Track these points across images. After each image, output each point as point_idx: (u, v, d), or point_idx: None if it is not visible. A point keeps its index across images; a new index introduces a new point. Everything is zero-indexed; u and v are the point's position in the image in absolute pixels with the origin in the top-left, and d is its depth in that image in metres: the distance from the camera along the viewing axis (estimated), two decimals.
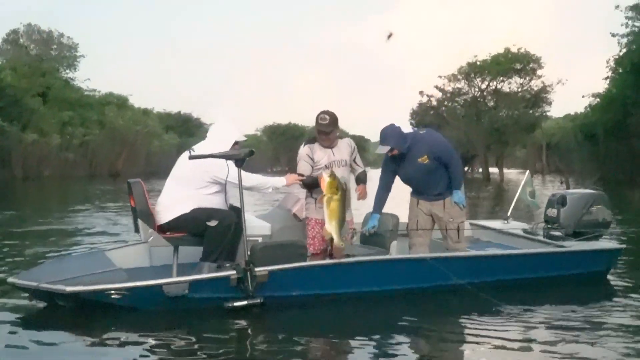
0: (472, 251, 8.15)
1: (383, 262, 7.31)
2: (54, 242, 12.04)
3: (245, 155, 6.74)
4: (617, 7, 43.83)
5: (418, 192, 7.87)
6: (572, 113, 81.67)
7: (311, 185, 7.34)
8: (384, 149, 7.42)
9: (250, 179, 7.07)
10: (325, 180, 6.75)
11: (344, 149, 7.50)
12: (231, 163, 6.88)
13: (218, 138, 7.14)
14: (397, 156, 7.54)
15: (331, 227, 6.83)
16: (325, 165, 7.35)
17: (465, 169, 76.57)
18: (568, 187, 10.21)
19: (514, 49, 59.10)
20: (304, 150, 7.55)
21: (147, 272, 7.23)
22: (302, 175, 7.34)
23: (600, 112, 54.76)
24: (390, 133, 7.48)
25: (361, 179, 7.71)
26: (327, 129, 7.32)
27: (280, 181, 7.37)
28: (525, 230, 9.16)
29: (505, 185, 47.79)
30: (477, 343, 5.80)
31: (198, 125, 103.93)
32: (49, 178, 56.27)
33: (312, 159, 7.46)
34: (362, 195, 7.63)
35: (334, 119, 7.34)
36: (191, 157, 6.79)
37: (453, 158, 7.68)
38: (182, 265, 7.08)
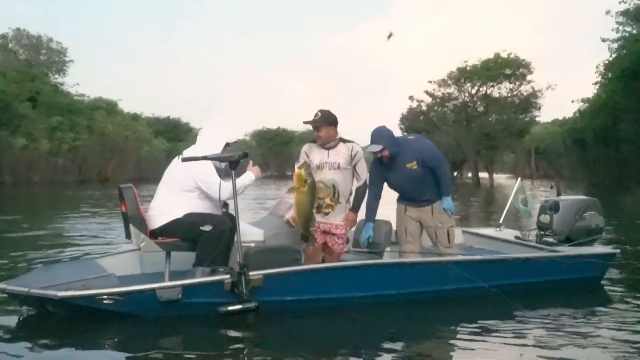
0: (467, 256, 8.15)
1: (377, 266, 7.28)
2: (43, 249, 11.96)
3: (240, 157, 6.68)
4: (607, 12, 44.06)
5: (406, 198, 7.87)
6: (560, 118, 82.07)
7: None
8: (375, 148, 7.39)
9: (226, 189, 6.90)
10: (295, 172, 6.82)
11: (341, 153, 7.44)
12: (214, 174, 6.87)
13: (208, 141, 7.07)
14: (386, 162, 7.55)
15: (298, 219, 6.98)
16: (317, 166, 7.38)
17: (455, 174, 76.73)
18: (559, 193, 10.18)
19: (503, 54, 59.35)
20: (303, 148, 7.67)
21: (139, 279, 7.17)
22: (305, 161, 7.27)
23: (590, 118, 55.05)
24: (382, 134, 7.49)
25: (357, 198, 7.61)
26: (315, 124, 7.35)
27: (249, 177, 7.21)
28: (517, 237, 9.15)
29: (495, 190, 47.93)
30: (469, 349, 5.80)
31: (187, 130, 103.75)
32: (38, 184, 56.11)
33: (308, 157, 7.52)
34: (350, 224, 7.61)
35: (326, 116, 7.37)
36: (184, 160, 6.72)
37: (442, 165, 7.70)
38: (174, 273, 7.00)
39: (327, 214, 7.38)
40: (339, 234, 7.44)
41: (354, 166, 7.49)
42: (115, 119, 75.86)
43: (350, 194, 7.55)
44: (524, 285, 7.67)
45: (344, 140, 7.52)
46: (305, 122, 7.47)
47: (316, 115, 7.36)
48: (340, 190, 7.39)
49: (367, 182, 7.60)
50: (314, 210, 7.31)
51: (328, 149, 7.44)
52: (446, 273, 7.27)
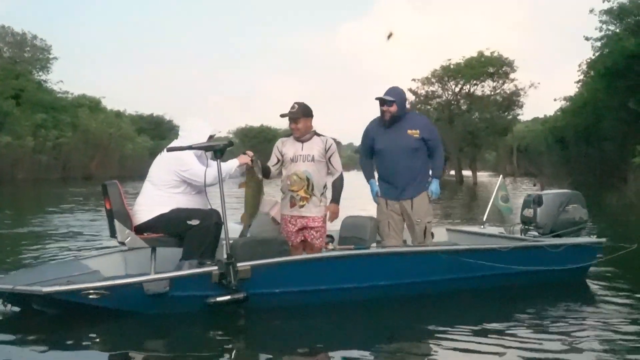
0: (457, 245, 8.19)
1: (365, 257, 7.28)
2: (29, 246, 11.95)
3: (225, 146, 6.69)
4: (591, 10, 44.04)
5: (388, 182, 7.85)
6: (541, 116, 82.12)
7: (263, 172, 7.33)
8: (387, 97, 7.51)
9: (210, 173, 6.86)
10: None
11: (315, 146, 7.47)
12: (194, 160, 6.85)
13: (192, 134, 7.02)
14: (388, 119, 7.61)
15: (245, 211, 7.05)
16: (291, 158, 7.43)
17: None
18: (543, 189, 10.26)
19: (487, 53, 59.38)
20: (276, 144, 7.72)
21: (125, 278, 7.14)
22: (254, 154, 7.21)
23: (572, 116, 55.13)
24: (398, 91, 7.70)
25: (336, 191, 7.60)
26: (294, 116, 7.37)
27: (233, 163, 7.12)
28: (502, 233, 9.17)
29: (478, 188, 48.03)
30: (455, 341, 5.82)
31: (170, 128, 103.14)
32: (22, 181, 55.81)
33: (280, 152, 7.57)
34: (332, 216, 7.60)
35: (303, 108, 7.41)
36: (169, 149, 6.71)
37: (440, 144, 7.87)
38: (159, 272, 6.96)
39: (302, 206, 7.38)
40: (317, 227, 7.44)
41: (329, 159, 7.52)
42: (99, 116, 75.59)
43: (325, 187, 7.56)
44: (510, 276, 7.66)
45: (318, 134, 7.56)
46: (282, 115, 7.48)
47: (293, 107, 7.40)
48: (314, 183, 7.39)
49: (359, 162, 7.68)
50: (288, 205, 7.42)
51: (302, 141, 7.48)
52: (435, 262, 7.32)
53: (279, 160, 7.59)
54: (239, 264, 6.33)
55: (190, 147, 6.69)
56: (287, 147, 7.53)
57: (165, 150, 6.85)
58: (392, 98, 7.50)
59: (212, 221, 6.77)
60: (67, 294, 6.03)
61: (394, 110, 7.53)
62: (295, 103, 7.42)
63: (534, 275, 7.82)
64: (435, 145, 7.76)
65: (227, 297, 6.20)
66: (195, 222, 6.71)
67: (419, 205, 7.69)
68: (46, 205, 25.51)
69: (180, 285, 6.31)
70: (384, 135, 7.72)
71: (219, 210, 6.74)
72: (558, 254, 7.87)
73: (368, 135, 7.92)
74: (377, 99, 7.65)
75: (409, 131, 7.58)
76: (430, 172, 7.84)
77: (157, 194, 6.87)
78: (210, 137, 7.07)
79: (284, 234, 7.46)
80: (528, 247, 8.02)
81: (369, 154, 7.96)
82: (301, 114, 7.37)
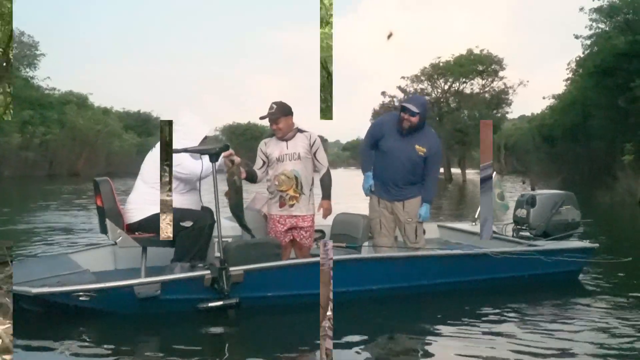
0: (446, 250, 8.14)
1: (357, 261, 7.27)
2: (18, 242, 11.83)
3: (221, 150, 6.63)
4: (581, 9, 44.12)
5: (382, 184, 7.80)
6: (529, 114, 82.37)
7: (248, 178, 7.35)
8: (413, 108, 7.43)
9: (199, 168, 6.84)
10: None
11: (299, 143, 7.40)
12: (186, 155, 6.76)
13: (187, 133, 6.96)
14: (405, 127, 7.51)
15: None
16: (277, 158, 7.35)
17: None
18: (533, 187, 10.23)
19: (476, 51, 59.51)
20: (259, 146, 7.61)
21: (114, 275, 7.08)
22: (234, 155, 7.01)
23: (560, 114, 55.27)
24: (424, 104, 7.75)
25: (325, 187, 7.56)
26: (273, 117, 7.29)
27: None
28: (494, 232, 9.14)
29: (467, 186, 48.17)
30: (447, 345, 5.83)
31: (158, 125, 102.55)
32: (8, 178, 55.59)
33: (265, 153, 7.48)
34: (326, 213, 7.58)
35: (281, 107, 7.33)
36: None
37: (437, 169, 7.87)
38: (149, 269, 6.91)
39: (292, 205, 7.33)
40: (306, 226, 7.41)
41: (314, 154, 7.45)
42: (86, 113, 75.26)
43: (313, 184, 7.51)
44: (502, 280, 7.68)
45: (301, 130, 7.48)
46: (261, 118, 7.41)
47: (271, 108, 7.32)
48: (303, 181, 7.35)
49: (360, 150, 7.65)
50: (278, 205, 7.36)
51: (286, 140, 7.39)
52: (426, 268, 7.29)
53: (264, 163, 7.52)
54: (231, 268, 6.28)
55: (185, 150, 6.60)
56: (272, 148, 7.45)
57: (154, 153, 6.75)
58: (418, 110, 7.44)
59: (205, 223, 6.74)
60: (57, 295, 5.97)
61: (415, 122, 7.48)
62: (273, 103, 7.35)
63: (525, 279, 7.82)
64: (432, 167, 7.71)
65: (220, 303, 6.16)
66: (188, 223, 6.66)
67: (411, 205, 7.67)
68: (34, 202, 25.39)
69: (172, 288, 6.27)
70: (393, 139, 7.63)
71: (212, 207, 6.68)
72: (551, 259, 7.87)
73: (379, 129, 7.81)
74: (402, 106, 7.59)
75: (417, 146, 7.53)
76: (421, 196, 7.77)
77: (150, 192, 6.77)
78: (205, 137, 7.01)
79: (272, 234, 7.41)
80: (520, 252, 7.97)
81: (373, 146, 7.85)
82: (280, 113, 7.31)
